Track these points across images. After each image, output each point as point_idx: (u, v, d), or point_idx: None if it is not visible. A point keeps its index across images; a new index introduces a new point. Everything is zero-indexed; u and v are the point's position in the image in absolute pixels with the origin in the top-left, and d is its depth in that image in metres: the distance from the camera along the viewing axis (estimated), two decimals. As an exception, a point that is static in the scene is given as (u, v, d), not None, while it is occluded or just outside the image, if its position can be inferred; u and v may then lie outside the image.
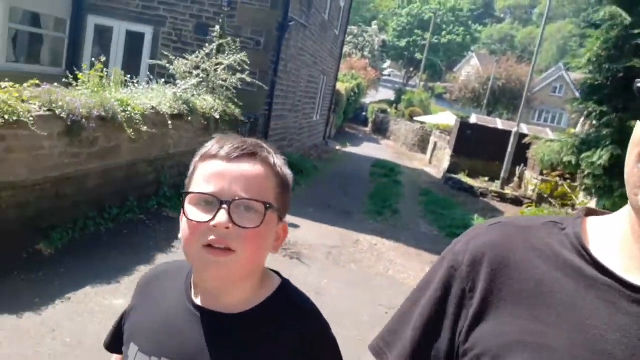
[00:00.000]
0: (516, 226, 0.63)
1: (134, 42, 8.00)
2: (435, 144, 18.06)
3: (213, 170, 0.71)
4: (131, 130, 4.03)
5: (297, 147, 11.83)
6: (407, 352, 0.63)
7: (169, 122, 4.66)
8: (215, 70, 5.39)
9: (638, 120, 0.53)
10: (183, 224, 0.71)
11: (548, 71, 38.68)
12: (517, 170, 11.68)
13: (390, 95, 37.50)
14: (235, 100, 6.17)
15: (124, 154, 4.22)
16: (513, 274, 0.58)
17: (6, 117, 2.94)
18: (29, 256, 3.29)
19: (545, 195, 8.82)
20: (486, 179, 12.49)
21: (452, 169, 13.33)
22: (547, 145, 6.20)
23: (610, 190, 4.98)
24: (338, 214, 6.92)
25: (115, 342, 0.86)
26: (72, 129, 3.44)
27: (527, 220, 0.63)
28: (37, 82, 3.40)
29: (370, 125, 29.11)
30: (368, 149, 19.24)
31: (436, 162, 17.04)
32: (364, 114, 30.62)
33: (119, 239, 4.08)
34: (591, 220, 0.60)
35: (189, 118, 5.09)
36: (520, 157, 11.29)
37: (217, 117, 5.59)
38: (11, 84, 3.16)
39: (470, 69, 41.51)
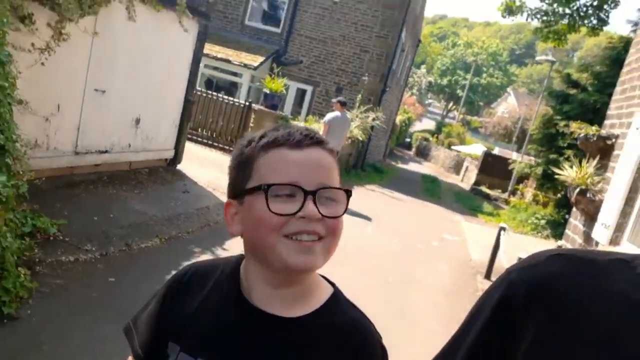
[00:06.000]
0: (580, 259, 0.56)
1: (299, 95, 14.50)
2: (467, 167, 23.98)
3: (288, 159, 0.69)
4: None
5: (371, 159, 18.09)
6: None
7: (349, 141, 10.99)
8: (366, 118, 11.66)
9: None
10: (255, 216, 0.69)
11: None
12: (520, 186, 17.50)
13: (430, 124, 43.49)
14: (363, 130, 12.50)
15: (342, 151, 10.55)
16: (575, 316, 0.52)
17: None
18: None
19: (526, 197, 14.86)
20: (499, 190, 18.34)
21: (477, 182, 19.29)
22: (519, 164, 12.39)
23: (542, 186, 11.08)
24: (408, 193, 13.04)
25: (148, 344, 0.79)
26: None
27: (591, 253, 0.57)
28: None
29: (414, 149, 35.17)
30: (414, 167, 25.34)
31: (466, 180, 22.91)
32: (407, 140, 36.83)
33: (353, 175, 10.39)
34: None
35: (352, 139, 11.43)
36: (525, 178, 17.13)
37: (360, 138, 11.91)
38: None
39: (507, 106, 46.82)
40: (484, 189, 18.38)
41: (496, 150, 23.96)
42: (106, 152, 4.97)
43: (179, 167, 6.51)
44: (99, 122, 4.78)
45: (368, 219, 7.58)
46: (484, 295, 0.62)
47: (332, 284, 0.79)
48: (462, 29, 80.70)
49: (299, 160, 0.68)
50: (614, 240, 4.56)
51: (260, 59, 13.61)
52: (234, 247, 4.19)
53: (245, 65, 13.20)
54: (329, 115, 7.78)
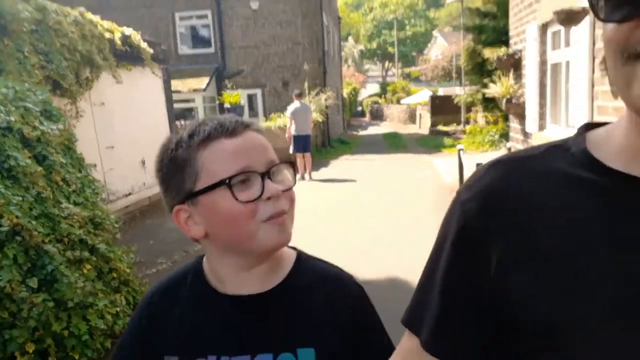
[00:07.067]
0: (518, 159, 0.58)
1: (250, 100, 15.44)
2: (420, 115, 25.49)
3: (230, 148, 0.71)
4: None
5: (334, 135, 19.29)
6: (438, 321, 0.59)
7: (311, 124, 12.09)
8: (319, 100, 12.75)
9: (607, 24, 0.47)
10: (223, 212, 0.70)
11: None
12: (471, 114, 19.04)
13: (375, 88, 44.96)
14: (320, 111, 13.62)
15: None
16: (528, 209, 0.54)
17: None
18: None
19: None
20: (455, 124, 19.88)
21: (433, 124, 20.80)
22: (462, 97, 13.86)
23: (487, 107, 12.55)
24: (377, 152, 14.27)
25: None
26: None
27: (527, 151, 0.59)
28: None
29: (368, 115, 36.63)
30: (374, 130, 26.67)
31: (424, 126, 24.40)
32: (359, 108, 38.31)
33: (324, 152, 11.47)
34: (593, 133, 0.57)
35: (314, 122, 12.52)
36: (472, 105, 18.71)
37: (320, 119, 13.01)
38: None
39: (438, 48, 48.58)
40: (441, 128, 19.88)
41: (441, 91, 25.63)
42: (130, 194, 5.92)
43: (184, 191, 7.48)
44: (117, 171, 5.72)
45: (352, 180, 8.75)
46: (444, 226, 0.62)
47: (293, 248, 0.83)
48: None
49: (242, 146, 0.71)
50: (541, 127, 5.85)
51: (205, 79, 14.47)
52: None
53: (195, 90, 14.05)
54: (290, 108, 8.84)
